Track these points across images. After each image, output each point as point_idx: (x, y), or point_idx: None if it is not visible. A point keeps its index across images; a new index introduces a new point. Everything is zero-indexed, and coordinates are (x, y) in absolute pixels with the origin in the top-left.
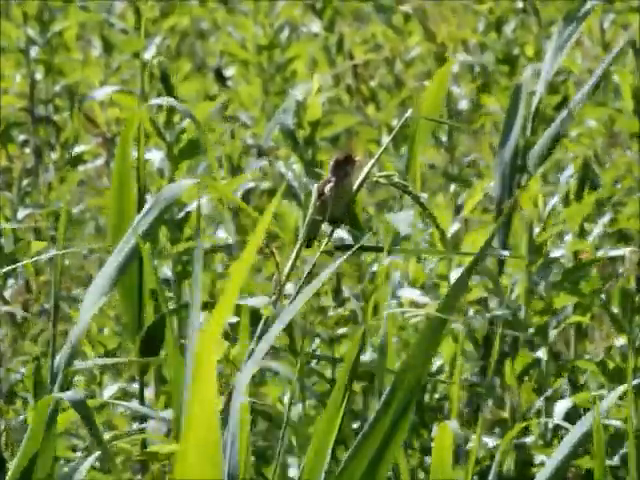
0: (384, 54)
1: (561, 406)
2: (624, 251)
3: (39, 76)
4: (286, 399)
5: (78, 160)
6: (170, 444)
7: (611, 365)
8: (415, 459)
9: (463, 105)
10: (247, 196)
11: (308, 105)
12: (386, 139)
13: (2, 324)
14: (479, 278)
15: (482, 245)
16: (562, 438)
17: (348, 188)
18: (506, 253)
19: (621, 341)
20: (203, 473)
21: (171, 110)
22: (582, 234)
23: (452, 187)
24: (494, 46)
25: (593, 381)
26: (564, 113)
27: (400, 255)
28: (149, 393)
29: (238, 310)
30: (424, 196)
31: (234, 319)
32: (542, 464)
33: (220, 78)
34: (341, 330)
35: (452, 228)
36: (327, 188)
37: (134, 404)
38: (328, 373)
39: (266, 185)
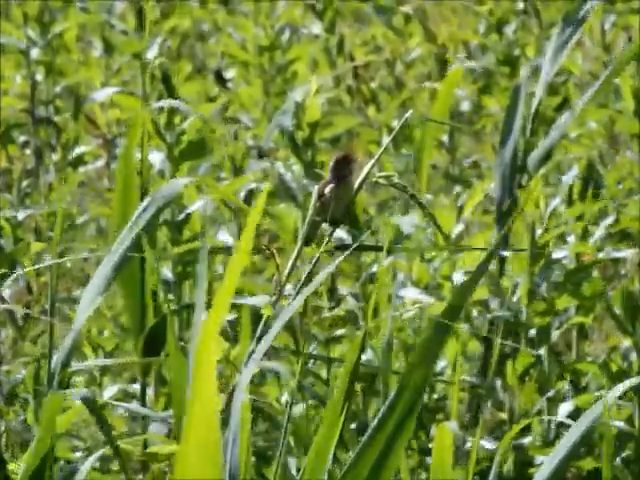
0: (385, 55)
1: (564, 408)
2: (626, 253)
3: (40, 77)
4: (284, 399)
5: (79, 161)
6: (171, 445)
7: (614, 367)
8: (413, 460)
9: (464, 107)
10: (248, 197)
11: (307, 106)
12: (386, 140)
13: (2, 325)
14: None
15: (486, 246)
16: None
17: (348, 189)
18: (508, 254)
19: (625, 343)
20: (203, 473)
21: (172, 111)
22: (585, 235)
23: (456, 188)
24: (495, 47)
25: (595, 383)
26: (566, 116)
27: (401, 254)
28: (149, 394)
29: (239, 310)
30: (428, 197)
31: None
32: (542, 464)
33: (220, 79)
34: (338, 331)
35: (455, 229)
36: (327, 189)
37: (135, 405)
38: (323, 373)
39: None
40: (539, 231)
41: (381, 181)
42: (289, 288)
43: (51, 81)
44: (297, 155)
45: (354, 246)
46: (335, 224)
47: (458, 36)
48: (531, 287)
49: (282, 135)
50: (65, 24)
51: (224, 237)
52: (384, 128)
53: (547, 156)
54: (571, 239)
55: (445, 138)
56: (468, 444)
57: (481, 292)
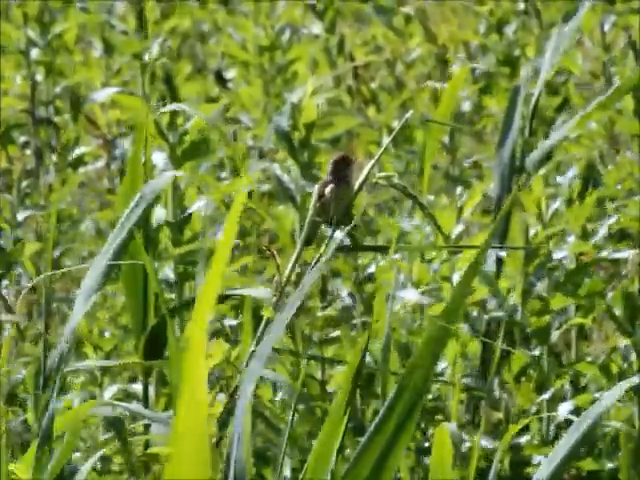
0: (385, 56)
1: (563, 408)
2: (626, 253)
3: (40, 78)
4: (278, 399)
5: (79, 162)
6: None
7: (614, 368)
8: (410, 459)
9: (465, 107)
10: (248, 197)
11: (303, 107)
12: (387, 141)
13: (3, 326)
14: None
15: (481, 244)
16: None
17: (348, 189)
18: (502, 253)
19: (623, 343)
20: (194, 473)
21: (174, 112)
22: (584, 235)
23: (458, 189)
24: (495, 48)
25: (594, 383)
26: (569, 122)
27: (400, 255)
28: (150, 394)
29: (239, 310)
30: (430, 198)
31: (234, 321)
32: (539, 464)
33: (221, 80)
34: (330, 331)
35: (455, 230)
36: (327, 190)
37: (136, 406)
38: (317, 374)
39: (266, 187)
40: (533, 231)
41: (381, 182)
42: (288, 289)
43: (51, 81)
44: (293, 156)
45: (361, 247)
46: (335, 225)
47: (458, 36)
48: (526, 287)
49: (277, 136)
50: (65, 24)
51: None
52: (384, 129)
53: (547, 157)
54: (571, 239)
55: (446, 139)
56: (466, 444)
57: (480, 293)
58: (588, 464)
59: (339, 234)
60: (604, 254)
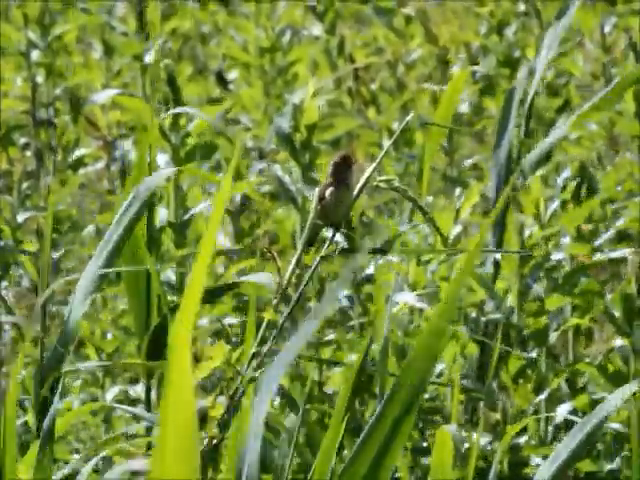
0: (386, 57)
1: (561, 409)
2: (625, 252)
3: (40, 79)
4: (277, 403)
5: (79, 163)
6: None
7: (611, 368)
8: (407, 459)
9: (465, 108)
10: (247, 199)
11: (305, 109)
12: (387, 142)
13: (3, 327)
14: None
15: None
16: (561, 441)
17: (349, 192)
18: (497, 255)
19: (620, 343)
20: (180, 473)
21: (177, 113)
22: (580, 237)
23: (457, 190)
24: (495, 49)
25: (592, 384)
26: (566, 122)
27: (399, 256)
28: (152, 396)
29: (240, 311)
30: (428, 200)
31: (234, 320)
32: (538, 465)
33: (222, 81)
34: (328, 332)
35: (453, 231)
36: (328, 192)
37: (138, 409)
38: (315, 376)
39: (266, 188)
40: (528, 232)
41: (382, 185)
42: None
43: (51, 83)
44: (295, 158)
45: (361, 250)
46: (336, 228)
47: (459, 37)
48: (521, 288)
49: (279, 138)
50: (65, 26)
51: (220, 239)
52: (384, 130)
53: (545, 158)
54: (566, 240)
55: (444, 140)
56: (465, 445)
57: (477, 295)
58: (587, 465)
59: (338, 237)
60: (603, 255)
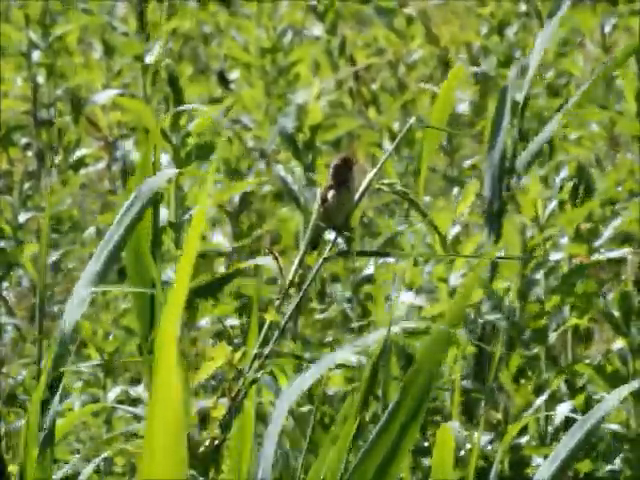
0: (386, 57)
1: (561, 409)
2: (624, 252)
3: (41, 80)
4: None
5: (80, 163)
6: None
7: (609, 369)
8: (408, 460)
9: (465, 108)
10: (248, 199)
11: (309, 110)
12: (387, 142)
13: (4, 327)
14: None
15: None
16: (560, 441)
17: (350, 194)
18: (501, 258)
19: (619, 344)
20: (169, 473)
21: (177, 113)
22: (578, 237)
23: (455, 190)
24: (496, 49)
25: (591, 384)
26: (555, 117)
27: (400, 259)
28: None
29: (242, 312)
30: (426, 200)
31: (236, 322)
32: (539, 465)
33: (223, 81)
34: (329, 333)
35: (452, 231)
36: (330, 194)
37: (138, 409)
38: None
39: (267, 188)
40: (530, 233)
41: (384, 188)
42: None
43: (52, 83)
44: (298, 158)
45: (361, 252)
46: (337, 230)
47: (460, 38)
48: (522, 289)
49: (282, 138)
50: (67, 26)
51: (218, 239)
52: (385, 130)
53: (548, 157)
54: (564, 241)
55: (444, 141)
56: (466, 445)
57: (475, 295)
58: (586, 466)
59: (339, 239)
60: (600, 256)
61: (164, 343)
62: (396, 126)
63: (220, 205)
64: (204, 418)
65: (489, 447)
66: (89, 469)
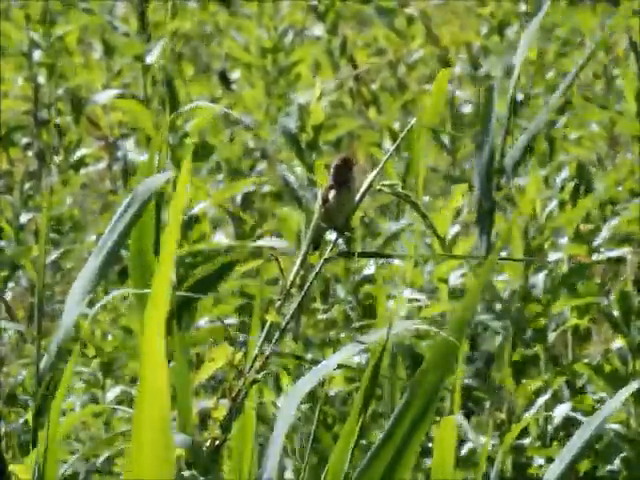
0: (387, 57)
1: (560, 410)
2: (624, 252)
3: (42, 79)
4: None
5: (80, 163)
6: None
7: (607, 368)
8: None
9: (465, 109)
10: (249, 198)
11: (311, 110)
12: (388, 142)
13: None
14: None
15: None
16: (560, 441)
17: (351, 195)
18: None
19: (618, 344)
20: (155, 473)
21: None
22: (578, 237)
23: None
24: (496, 49)
25: (591, 384)
26: (541, 114)
27: (399, 259)
28: None
29: (241, 312)
30: (425, 200)
31: (235, 320)
32: (541, 466)
33: (224, 81)
34: (332, 333)
35: (451, 231)
36: (331, 195)
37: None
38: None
39: (268, 188)
40: (532, 233)
41: (385, 189)
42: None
43: (53, 83)
44: (300, 158)
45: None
46: (338, 230)
47: (460, 38)
48: (525, 290)
49: (285, 138)
50: (67, 26)
51: (220, 238)
52: (385, 130)
53: (527, 152)
54: (564, 241)
55: (447, 141)
56: (466, 445)
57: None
58: (585, 466)
59: (340, 240)
60: (601, 256)
61: (148, 340)
62: (396, 126)
63: (221, 205)
64: (205, 418)
65: (490, 447)
66: (90, 469)
